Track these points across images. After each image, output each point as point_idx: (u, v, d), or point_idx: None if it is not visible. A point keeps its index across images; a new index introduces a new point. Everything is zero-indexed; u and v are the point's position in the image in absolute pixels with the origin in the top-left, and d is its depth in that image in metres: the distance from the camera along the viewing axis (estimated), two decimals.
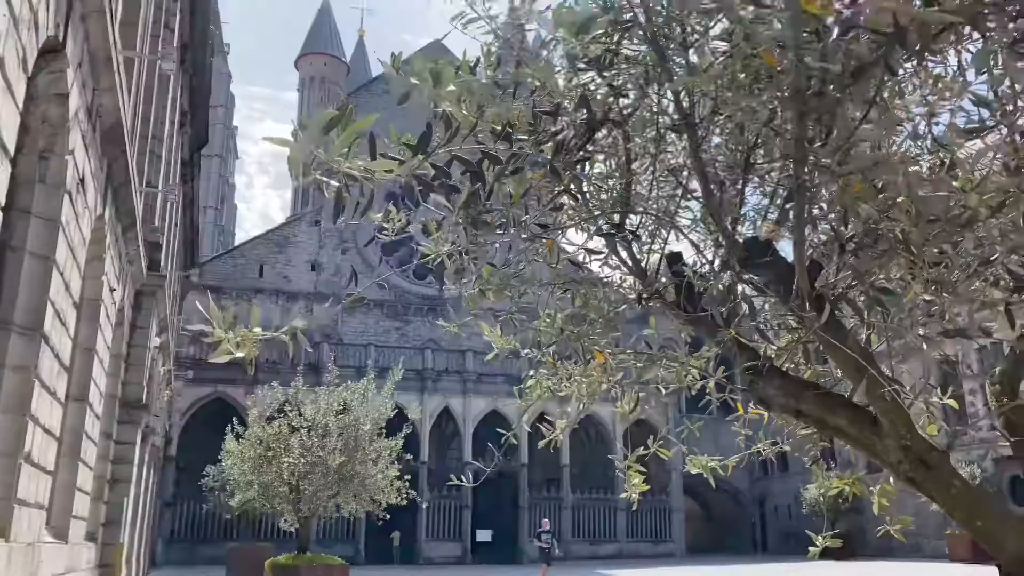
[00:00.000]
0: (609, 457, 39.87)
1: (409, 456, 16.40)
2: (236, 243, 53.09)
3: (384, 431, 15.36)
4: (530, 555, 38.64)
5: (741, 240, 2.25)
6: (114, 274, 10.83)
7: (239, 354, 2.13)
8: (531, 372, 3.02)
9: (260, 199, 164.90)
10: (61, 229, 6.79)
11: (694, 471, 2.87)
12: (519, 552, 38.96)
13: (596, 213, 2.48)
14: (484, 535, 38.40)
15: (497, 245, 2.46)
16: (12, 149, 4.90)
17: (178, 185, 22.62)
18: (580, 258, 2.68)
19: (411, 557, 37.24)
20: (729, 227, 2.20)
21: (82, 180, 7.50)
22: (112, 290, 10.77)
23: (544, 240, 2.55)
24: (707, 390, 2.86)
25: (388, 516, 16.04)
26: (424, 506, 29.24)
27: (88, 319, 9.67)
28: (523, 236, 2.46)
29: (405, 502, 15.38)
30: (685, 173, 2.42)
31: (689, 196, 2.43)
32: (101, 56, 7.31)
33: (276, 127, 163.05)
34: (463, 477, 3.59)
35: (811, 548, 3.00)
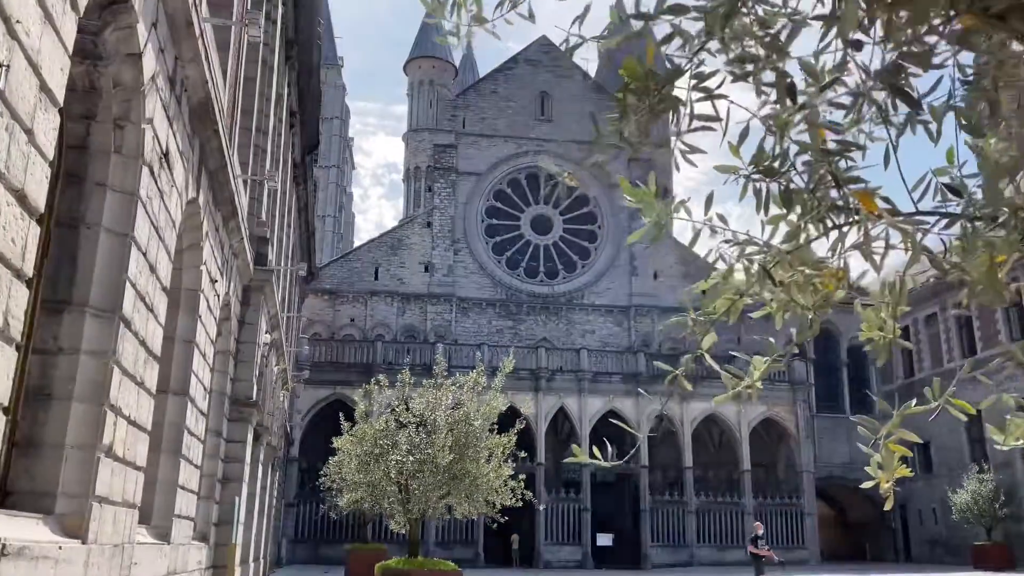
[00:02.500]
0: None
1: (524, 453, 15.49)
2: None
3: (496, 427, 14.53)
4: (653, 560, 37.23)
5: None
6: (215, 265, 10.47)
7: None
8: (720, 243, 1.52)
9: (374, 210, 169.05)
10: (141, 204, 6.28)
11: (1007, 446, 1.61)
12: (642, 557, 37.58)
13: None
14: (605, 539, 37.19)
15: None
16: (60, 94, 4.30)
17: (289, 185, 22.70)
18: None
19: (531, 560, 36.50)
20: None
21: (166, 155, 7.00)
22: (214, 281, 10.41)
23: None
24: None
25: (506, 519, 15.17)
26: (541, 508, 28.26)
27: (187, 310, 9.30)
28: None
29: (521, 504, 14.50)
30: None
31: None
32: (180, 20, 6.79)
33: (388, 140, 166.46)
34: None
35: None
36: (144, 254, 6.54)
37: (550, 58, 51.72)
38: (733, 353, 1.96)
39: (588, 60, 64.66)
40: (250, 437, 14.18)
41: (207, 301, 10.05)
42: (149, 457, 8.10)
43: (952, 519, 37.82)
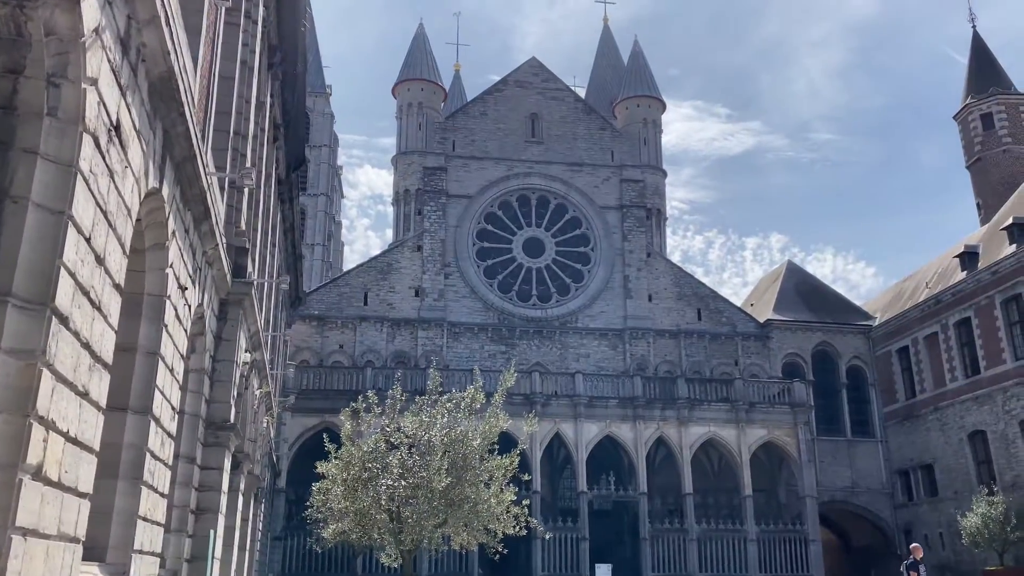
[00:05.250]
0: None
1: (528, 476, 14.38)
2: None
3: (497, 448, 13.38)
4: None
5: None
6: (185, 270, 9.47)
7: None
8: None
9: (361, 240, 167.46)
10: (82, 179, 5.30)
11: None
12: None
13: None
14: (603, 570, 35.83)
15: None
16: None
17: (274, 201, 21.74)
18: None
19: None
20: None
21: (117, 128, 6.03)
22: (183, 288, 9.40)
23: None
24: None
25: (506, 549, 13.97)
26: (547, 536, 26.83)
27: (150, 317, 8.28)
28: None
29: (525, 532, 13.33)
30: None
31: None
32: None
33: (374, 171, 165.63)
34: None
35: None
36: (87, 240, 5.55)
37: (540, 80, 51.22)
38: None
39: (578, 86, 64.23)
40: (228, 464, 13.07)
41: (175, 310, 9.03)
42: (101, 483, 7.07)
43: (961, 544, 36.70)
